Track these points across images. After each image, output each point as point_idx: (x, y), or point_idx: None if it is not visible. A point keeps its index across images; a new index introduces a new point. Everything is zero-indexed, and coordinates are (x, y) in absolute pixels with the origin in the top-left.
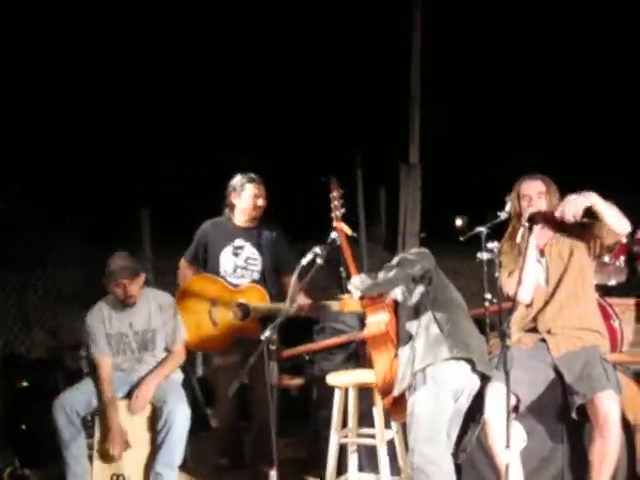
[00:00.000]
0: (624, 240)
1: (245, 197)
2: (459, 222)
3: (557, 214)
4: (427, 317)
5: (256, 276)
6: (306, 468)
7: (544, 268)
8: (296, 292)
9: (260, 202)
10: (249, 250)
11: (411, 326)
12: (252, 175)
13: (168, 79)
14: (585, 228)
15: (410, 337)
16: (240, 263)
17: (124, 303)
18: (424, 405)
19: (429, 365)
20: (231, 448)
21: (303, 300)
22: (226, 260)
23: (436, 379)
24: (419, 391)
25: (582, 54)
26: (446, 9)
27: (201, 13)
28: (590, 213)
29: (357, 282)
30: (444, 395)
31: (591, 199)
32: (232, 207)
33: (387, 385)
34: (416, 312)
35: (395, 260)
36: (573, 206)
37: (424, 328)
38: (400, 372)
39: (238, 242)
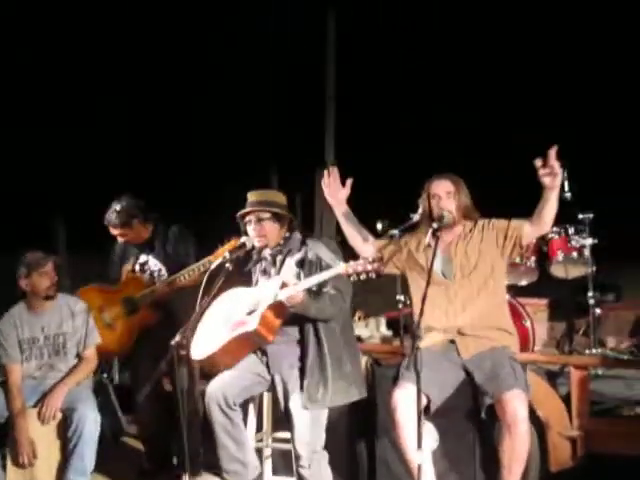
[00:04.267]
0: (534, 241)
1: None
2: (379, 226)
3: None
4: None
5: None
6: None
7: (446, 265)
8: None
9: (122, 239)
10: (152, 262)
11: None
12: (108, 216)
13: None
14: (503, 227)
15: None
16: (148, 278)
17: (42, 299)
18: (324, 420)
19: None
20: (153, 452)
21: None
22: None
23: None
24: (322, 410)
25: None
26: (360, 8)
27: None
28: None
29: (299, 298)
30: None
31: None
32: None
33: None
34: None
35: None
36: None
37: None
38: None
39: (142, 258)
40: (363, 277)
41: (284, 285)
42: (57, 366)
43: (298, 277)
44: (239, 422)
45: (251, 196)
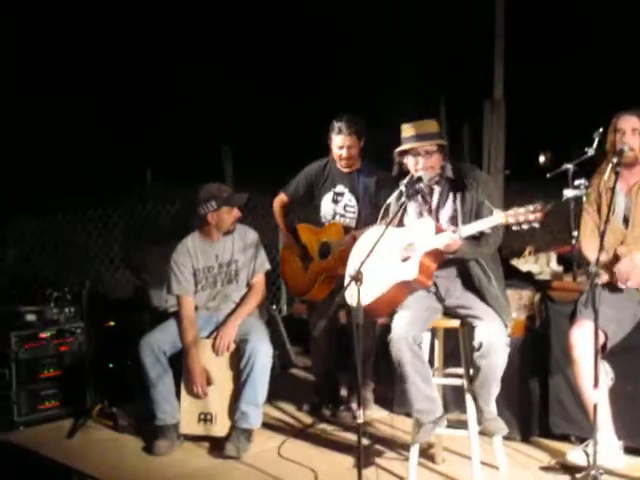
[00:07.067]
0: None
1: (333, 147)
2: (542, 158)
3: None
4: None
5: (352, 223)
6: (394, 407)
7: (625, 208)
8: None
9: (344, 153)
10: (347, 197)
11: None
12: (341, 124)
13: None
14: None
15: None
16: (339, 210)
17: (222, 232)
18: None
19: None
20: (324, 385)
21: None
22: (326, 206)
23: None
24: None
25: None
26: None
27: None
28: None
29: (457, 245)
30: None
31: None
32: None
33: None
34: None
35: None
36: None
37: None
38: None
39: (339, 188)
40: (526, 227)
41: (439, 230)
42: (230, 295)
43: (454, 219)
44: (426, 359)
45: (409, 129)
